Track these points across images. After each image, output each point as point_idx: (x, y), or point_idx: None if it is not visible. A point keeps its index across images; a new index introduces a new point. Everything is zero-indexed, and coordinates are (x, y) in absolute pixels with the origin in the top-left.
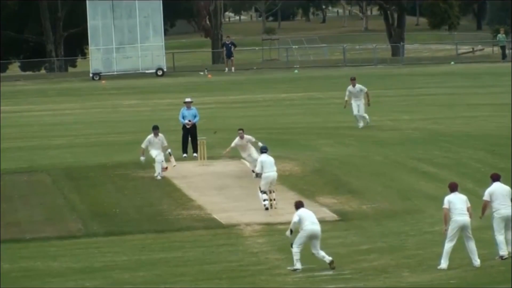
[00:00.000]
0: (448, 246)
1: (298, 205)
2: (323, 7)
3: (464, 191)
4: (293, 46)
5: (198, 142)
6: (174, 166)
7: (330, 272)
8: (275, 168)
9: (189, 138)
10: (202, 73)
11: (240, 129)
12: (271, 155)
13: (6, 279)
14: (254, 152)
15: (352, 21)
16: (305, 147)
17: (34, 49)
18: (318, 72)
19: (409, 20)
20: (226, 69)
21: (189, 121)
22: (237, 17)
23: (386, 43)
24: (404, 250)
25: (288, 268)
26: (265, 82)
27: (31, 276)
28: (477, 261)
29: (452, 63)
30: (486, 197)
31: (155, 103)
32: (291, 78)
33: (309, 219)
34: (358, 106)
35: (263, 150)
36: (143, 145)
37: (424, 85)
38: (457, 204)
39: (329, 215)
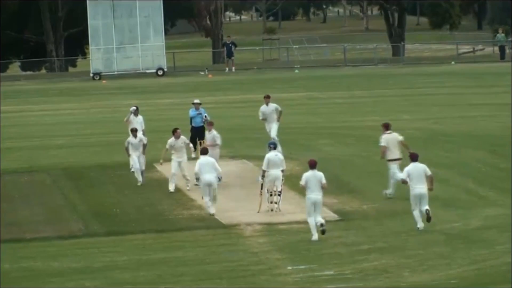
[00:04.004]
0: (309, 219)
1: (201, 151)
2: (324, 7)
3: (464, 191)
4: (294, 46)
5: (198, 142)
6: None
7: (331, 272)
8: (280, 168)
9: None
10: (202, 73)
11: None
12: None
13: (6, 279)
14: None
15: (353, 20)
16: (305, 147)
17: (34, 49)
18: (318, 72)
19: (410, 19)
20: (227, 69)
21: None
22: (238, 17)
23: (387, 43)
24: (404, 250)
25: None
26: (266, 82)
27: (31, 276)
28: (315, 235)
29: (453, 63)
30: (404, 175)
31: (155, 103)
32: (291, 78)
33: (204, 170)
34: (270, 128)
35: (270, 146)
36: (126, 119)
37: (425, 85)
38: (312, 182)
39: (330, 215)
